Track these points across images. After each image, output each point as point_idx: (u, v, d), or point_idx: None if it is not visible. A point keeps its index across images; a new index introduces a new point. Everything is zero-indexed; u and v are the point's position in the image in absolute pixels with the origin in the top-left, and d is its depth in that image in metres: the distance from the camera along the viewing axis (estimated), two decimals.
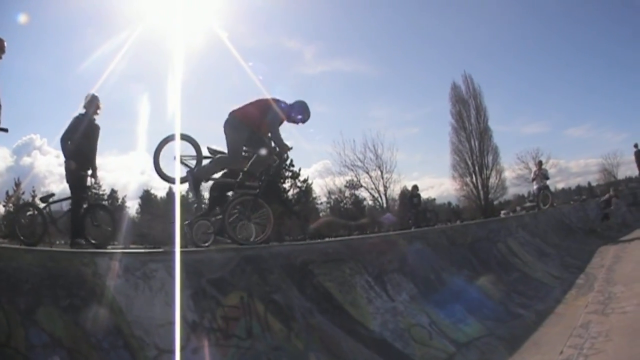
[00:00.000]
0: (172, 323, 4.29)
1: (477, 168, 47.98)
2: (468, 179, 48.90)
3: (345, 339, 5.96)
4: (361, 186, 45.15)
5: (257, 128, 7.90)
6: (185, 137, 8.04)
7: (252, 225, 7.73)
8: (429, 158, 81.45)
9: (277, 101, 8.00)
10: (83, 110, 8.50)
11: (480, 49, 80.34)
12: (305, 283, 6.23)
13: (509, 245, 12.66)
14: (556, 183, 59.19)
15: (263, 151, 8.03)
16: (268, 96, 8.29)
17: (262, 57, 68.66)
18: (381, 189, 42.86)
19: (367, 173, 44.62)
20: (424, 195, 49.71)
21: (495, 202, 47.35)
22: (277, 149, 8.25)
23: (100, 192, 56.18)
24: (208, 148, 8.24)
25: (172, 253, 5.08)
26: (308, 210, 53.67)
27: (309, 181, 52.65)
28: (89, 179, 8.60)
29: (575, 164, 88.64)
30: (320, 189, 50.07)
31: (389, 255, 8.07)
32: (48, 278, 3.88)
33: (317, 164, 52.24)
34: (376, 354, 5.91)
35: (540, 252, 13.91)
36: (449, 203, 62.55)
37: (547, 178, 22.47)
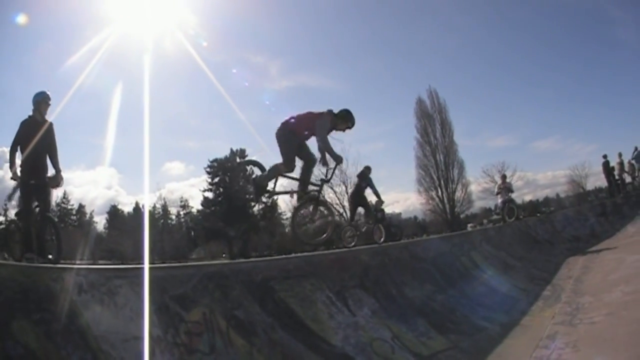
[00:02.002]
0: (138, 338, 4.58)
1: (442, 182, 49.51)
2: (434, 193, 50.38)
3: (307, 353, 6.20)
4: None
5: (305, 138, 8.94)
6: (252, 162, 9.88)
7: (315, 226, 8.49)
8: (394, 173, 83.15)
9: (323, 113, 8.97)
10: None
11: (446, 64, 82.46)
12: (267, 299, 6.51)
13: (473, 258, 13.09)
14: (523, 195, 61.05)
15: (313, 160, 9.13)
16: (319, 110, 9.23)
17: (229, 72, 69.17)
18: (346, 204, 43.61)
19: (332, 189, 44.48)
20: (390, 209, 50.57)
21: (462, 216, 48.70)
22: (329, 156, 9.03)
23: (69, 207, 55.88)
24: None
25: (136, 269, 5.30)
26: (274, 225, 54.15)
27: (274, 197, 52.99)
28: (53, 188, 8.62)
29: (543, 176, 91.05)
30: (285, 204, 50.63)
31: (350, 271, 8.44)
32: (20, 292, 4.19)
33: (282, 180, 52.49)
34: None
35: (505, 265, 14.38)
36: (415, 217, 63.72)
37: (512, 191, 23.72)
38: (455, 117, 56.14)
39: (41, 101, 8.40)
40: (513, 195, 24.28)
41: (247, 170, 60.19)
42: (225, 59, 67.27)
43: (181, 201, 65.42)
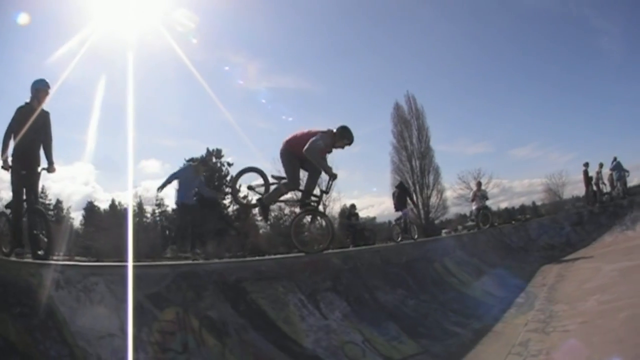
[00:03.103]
0: (113, 335, 4.74)
1: (417, 187, 49.89)
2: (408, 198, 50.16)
3: (278, 355, 6.36)
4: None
5: (304, 155, 9.20)
6: (254, 169, 9.93)
7: (313, 236, 8.92)
8: (370, 176, 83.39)
9: (321, 132, 9.40)
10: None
11: (425, 70, 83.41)
12: (239, 300, 6.68)
13: (446, 264, 13.31)
14: (499, 202, 61.97)
15: (315, 173, 9.62)
16: (317, 129, 9.68)
17: (208, 71, 69.25)
18: (320, 207, 43.74)
19: None
20: (365, 213, 50.88)
21: (437, 222, 49.11)
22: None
23: (47, 202, 55.55)
24: (272, 176, 9.92)
25: (112, 267, 5.51)
26: (248, 226, 54.23)
27: (249, 197, 53.15)
28: (39, 177, 8.33)
29: (520, 183, 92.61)
30: None
31: (322, 274, 8.61)
32: (1, 286, 4.34)
33: (257, 181, 52.66)
34: None
35: (478, 271, 14.61)
36: (390, 222, 63.92)
37: (487, 198, 24.30)
38: (432, 123, 56.91)
39: (40, 89, 8.25)
40: (488, 203, 24.86)
41: (222, 171, 60.31)
42: (205, 57, 67.16)
43: (156, 199, 65.28)
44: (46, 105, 8.40)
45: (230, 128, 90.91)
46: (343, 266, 9.46)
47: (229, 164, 61.59)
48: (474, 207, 24.59)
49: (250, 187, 9.74)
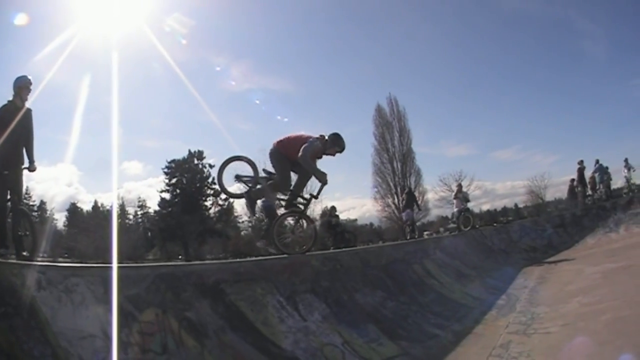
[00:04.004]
0: (94, 336, 4.89)
1: (399, 189, 50.17)
2: (390, 200, 51.62)
3: (257, 356, 6.50)
4: (282, 206, 46.18)
5: (295, 158, 9.39)
6: (244, 159, 9.82)
7: (295, 238, 8.94)
8: (351, 178, 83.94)
9: (313, 138, 9.55)
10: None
11: (408, 72, 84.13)
12: (218, 301, 6.83)
13: (426, 266, 13.51)
14: (481, 205, 62.53)
15: (305, 176, 9.72)
16: (308, 134, 9.86)
17: (191, 71, 69.31)
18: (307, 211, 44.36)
19: None
20: (346, 215, 51.25)
21: (418, 224, 49.46)
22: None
23: (31, 203, 55.56)
24: (264, 170, 10.02)
25: (92, 268, 5.67)
26: (229, 228, 54.43)
27: (231, 199, 53.74)
28: (22, 176, 8.28)
29: (502, 185, 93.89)
30: (241, 207, 51.15)
31: (301, 276, 8.77)
32: None
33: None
34: None
35: (459, 274, 14.80)
36: (371, 224, 64.62)
37: (468, 200, 24.67)
38: (414, 125, 57.65)
39: (22, 86, 8.26)
40: (469, 205, 25.25)
41: (203, 172, 60.35)
42: (187, 58, 67.19)
43: (139, 201, 65.36)
44: (29, 103, 8.42)
45: (212, 129, 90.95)
46: (322, 268, 9.62)
47: (211, 166, 61.82)
48: (455, 209, 24.98)
49: (238, 177, 9.80)
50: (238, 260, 10.65)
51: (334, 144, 9.69)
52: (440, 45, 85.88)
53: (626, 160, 31.30)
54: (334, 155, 9.88)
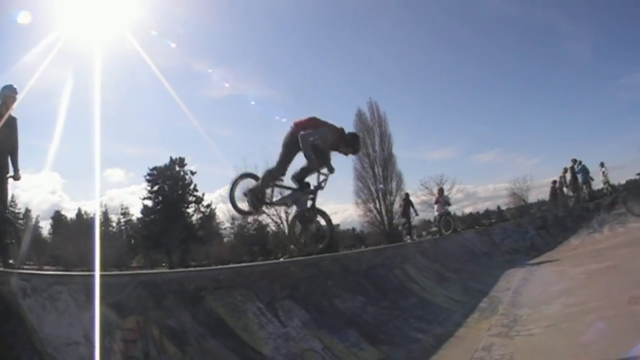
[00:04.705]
0: (78, 343, 5.08)
1: (380, 194, 50.56)
2: (371, 205, 52.71)
3: None
4: (263, 212, 46.87)
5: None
6: (251, 175, 10.06)
7: (312, 234, 9.13)
8: (332, 184, 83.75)
9: (330, 125, 9.66)
10: None
11: (388, 76, 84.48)
12: (198, 309, 7.00)
13: (406, 271, 13.70)
14: (464, 208, 63.19)
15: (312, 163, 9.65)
16: (332, 123, 9.88)
17: (171, 77, 69.47)
18: (283, 215, 44.78)
19: None
20: None
21: (400, 228, 49.95)
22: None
23: (16, 211, 55.52)
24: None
25: (75, 276, 5.87)
26: (212, 235, 54.68)
27: (213, 206, 54.12)
28: (7, 185, 8.31)
29: (484, 188, 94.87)
30: (223, 214, 51.68)
31: (280, 282, 8.95)
32: None
33: (221, 189, 53.83)
34: None
35: (440, 277, 15.03)
36: (353, 229, 65.04)
37: (449, 204, 25.04)
38: (395, 129, 58.16)
39: (9, 95, 8.39)
40: (450, 208, 25.87)
41: (185, 179, 60.47)
42: (169, 65, 67.38)
43: (122, 208, 65.43)
44: (13, 111, 8.51)
45: (194, 136, 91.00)
46: (301, 274, 9.80)
47: (192, 173, 61.93)
48: (436, 213, 25.48)
49: (248, 193, 9.99)
50: (217, 267, 10.73)
51: (349, 143, 9.78)
52: (422, 49, 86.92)
53: (602, 163, 32.74)
54: (346, 154, 10.03)
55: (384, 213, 51.43)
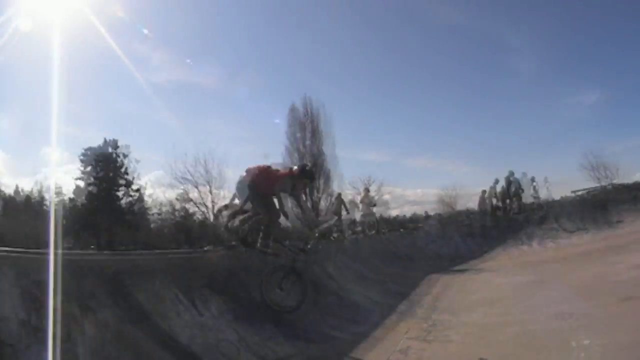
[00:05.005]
0: (7, 319, 5.54)
1: (307, 190, 50.69)
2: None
3: (154, 349, 7.06)
4: (190, 200, 46.90)
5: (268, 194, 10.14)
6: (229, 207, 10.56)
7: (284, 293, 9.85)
8: None
9: (284, 177, 10.06)
10: None
11: (328, 74, 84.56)
12: (117, 293, 7.36)
13: (326, 268, 14.26)
14: (391, 210, 63.39)
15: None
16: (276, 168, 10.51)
17: (112, 58, 68.56)
18: (209, 204, 45.15)
19: (196, 187, 49.05)
20: None
21: (326, 225, 50.28)
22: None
23: None
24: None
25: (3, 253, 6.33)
26: (140, 220, 54.13)
27: (142, 191, 53.71)
28: None
29: (413, 192, 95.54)
30: (152, 200, 51.06)
31: (199, 272, 9.40)
32: None
33: (150, 175, 53.15)
34: None
35: (360, 277, 15.57)
36: (279, 224, 64.70)
37: (374, 205, 25.69)
38: (329, 128, 58.18)
39: None
40: (375, 209, 26.53)
41: (117, 162, 59.84)
42: (109, 44, 66.20)
43: (56, 188, 64.22)
44: None
45: (133, 120, 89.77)
46: (220, 264, 10.29)
47: (125, 155, 61.24)
48: (360, 213, 26.11)
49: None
50: (138, 252, 11.01)
51: (303, 176, 10.20)
52: (366, 51, 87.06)
53: (533, 178, 34.15)
54: (305, 187, 10.83)
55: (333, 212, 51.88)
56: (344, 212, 25.83)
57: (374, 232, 25.60)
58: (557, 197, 35.11)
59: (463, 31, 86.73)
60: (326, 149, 56.30)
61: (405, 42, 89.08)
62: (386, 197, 54.52)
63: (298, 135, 55.18)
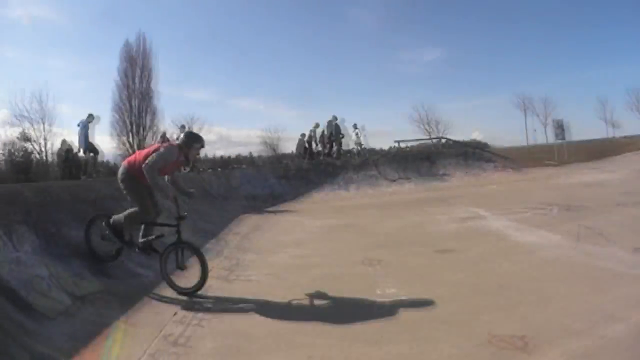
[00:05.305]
0: None
1: (134, 128, 51.34)
2: (125, 138, 52.43)
3: None
4: (29, 139, 47.06)
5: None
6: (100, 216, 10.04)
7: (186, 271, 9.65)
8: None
9: (164, 148, 9.42)
10: None
11: (160, 11, 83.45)
12: None
13: None
14: (215, 150, 65.04)
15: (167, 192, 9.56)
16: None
17: None
18: (42, 142, 45.15)
19: (32, 125, 50.71)
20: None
21: None
22: None
23: None
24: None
25: None
26: None
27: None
28: None
29: (237, 133, 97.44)
30: None
31: (14, 206, 9.76)
32: None
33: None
34: (5, 300, 7.09)
35: (168, 214, 15.21)
36: (108, 161, 65.00)
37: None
38: (161, 66, 59.01)
39: None
40: (202, 151, 27.19)
41: None
42: None
43: None
44: None
45: None
46: (34, 199, 10.68)
47: None
48: None
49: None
50: None
51: (191, 144, 9.74)
52: None
53: (355, 125, 36.83)
54: (198, 153, 10.46)
55: (136, 147, 51.86)
56: None
57: (188, 170, 26.86)
58: (384, 146, 37.47)
59: None
60: (154, 85, 56.76)
61: None
62: (211, 137, 55.55)
63: (129, 72, 55.15)
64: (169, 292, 9.37)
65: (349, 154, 36.19)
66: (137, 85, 57.01)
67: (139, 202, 9.65)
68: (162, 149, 9.45)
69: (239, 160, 68.46)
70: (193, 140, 9.82)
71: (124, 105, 56.26)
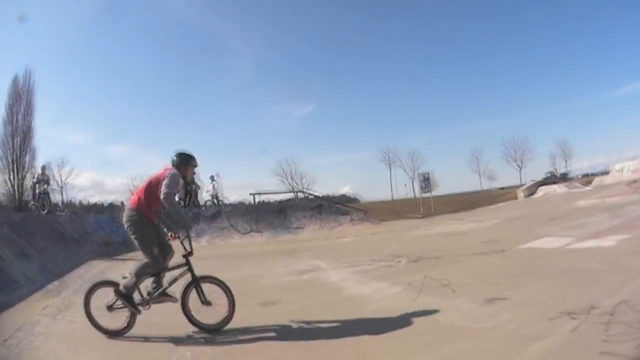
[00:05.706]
0: None
1: (15, 167, 49.63)
2: (7, 177, 50.47)
3: None
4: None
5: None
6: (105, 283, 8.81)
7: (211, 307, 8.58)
8: None
9: (172, 172, 8.52)
10: None
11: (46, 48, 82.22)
12: None
13: None
14: (90, 196, 63.87)
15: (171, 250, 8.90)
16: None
17: None
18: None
19: None
20: None
21: (32, 203, 49.85)
22: None
23: None
24: None
25: None
26: None
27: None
28: None
29: (112, 180, 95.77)
30: None
31: None
32: None
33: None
34: None
35: (21, 252, 16.29)
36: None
37: (48, 184, 26.07)
38: (44, 103, 57.61)
39: None
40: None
41: None
42: None
43: None
44: None
45: None
46: None
47: None
48: (37, 191, 26.34)
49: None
50: None
51: (188, 161, 8.94)
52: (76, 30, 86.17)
53: (212, 177, 37.05)
54: (194, 174, 9.40)
55: (16, 187, 50.03)
56: None
57: (46, 211, 26.52)
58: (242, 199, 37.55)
59: (192, 27, 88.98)
60: (35, 124, 55.29)
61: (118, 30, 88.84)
62: (85, 183, 54.32)
63: (15, 107, 53.45)
64: (6, 326, 8.94)
65: (203, 207, 35.81)
66: (20, 122, 55.55)
67: (149, 250, 8.57)
68: (169, 173, 8.48)
69: (112, 207, 67.50)
70: (188, 158, 9.00)
71: (7, 143, 54.98)
